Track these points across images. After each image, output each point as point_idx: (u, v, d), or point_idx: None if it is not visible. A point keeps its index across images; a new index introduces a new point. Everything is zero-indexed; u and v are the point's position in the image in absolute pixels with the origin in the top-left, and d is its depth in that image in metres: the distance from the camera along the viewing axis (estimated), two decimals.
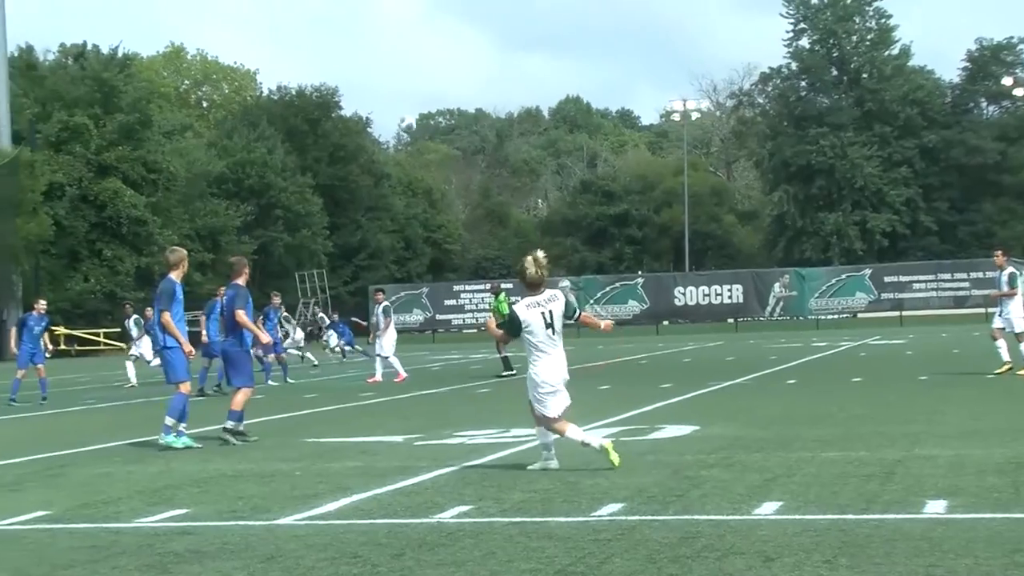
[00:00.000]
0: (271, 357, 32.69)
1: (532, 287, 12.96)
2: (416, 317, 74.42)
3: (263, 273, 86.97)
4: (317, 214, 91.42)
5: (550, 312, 12.88)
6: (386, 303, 33.74)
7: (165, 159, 79.86)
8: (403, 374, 31.56)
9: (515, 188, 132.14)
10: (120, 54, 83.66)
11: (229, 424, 17.24)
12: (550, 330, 12.86)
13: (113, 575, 8.41)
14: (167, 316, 16.89)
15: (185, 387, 17.09)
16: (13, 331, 30.67)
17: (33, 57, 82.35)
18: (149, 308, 30.32)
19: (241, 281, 17.92)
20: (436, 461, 14.15)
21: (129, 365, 35.49)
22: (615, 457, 12.74)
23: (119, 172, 76.05)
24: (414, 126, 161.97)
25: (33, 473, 14.42)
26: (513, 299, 12.38)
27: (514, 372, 31.65)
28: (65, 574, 8.50)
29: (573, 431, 12.97)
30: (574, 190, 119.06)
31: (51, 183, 71.71)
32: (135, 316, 38.52)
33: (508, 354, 32.33)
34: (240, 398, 17.38)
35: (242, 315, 17.41)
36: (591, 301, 72.94)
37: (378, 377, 31.40)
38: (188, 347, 17.02)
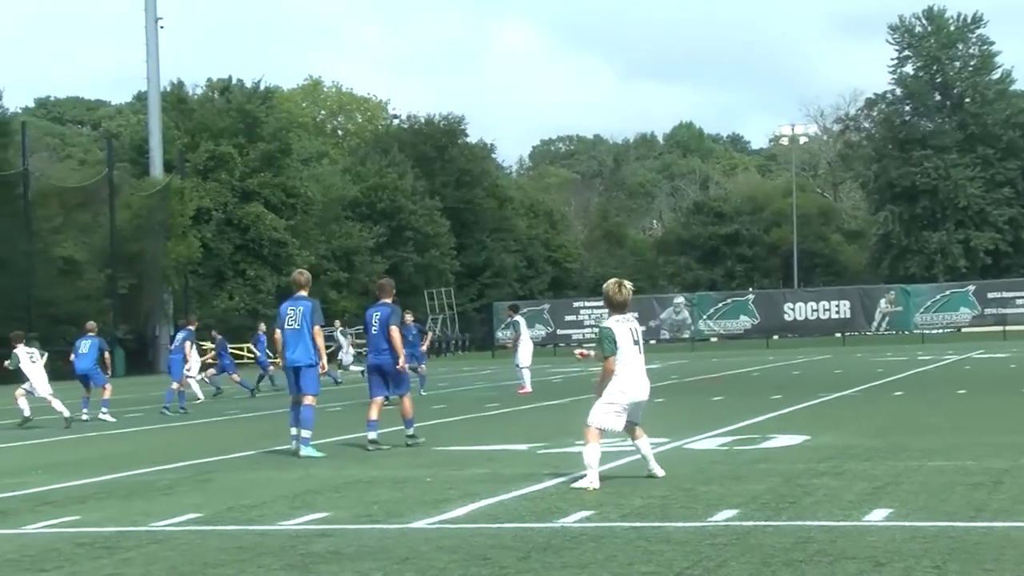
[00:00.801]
0: (422, 368, 32.45)
1: (618, 308, 12.93)
2: (538, 332, 74.34)
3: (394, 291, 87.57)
4: (445, 235, 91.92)
5: (635, 330, 12.93)
6: (516, 318, 33.84)
7: (303, 184, 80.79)
8: (528, 388, 31.52)
9: (631, 209, 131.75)
10: (262, 87, 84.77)
11: (409, 431, 17.75)
12: (637, 347, 12.86)
13: (259, 574, 8.48)
14: (278, 335, 17.25)
15: (304, 399, 17.09)
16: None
17: (183, 91, 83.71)
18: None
19: (389, 300, 18.10)
20: (559, 468, 14.14)
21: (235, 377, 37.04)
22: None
23: (261, 197, 77.07)
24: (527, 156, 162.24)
25: (184, 478, 14.62)
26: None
27: None
28: (215, 572, 8.59)
29: (593, 451, 12.72)
30: (687, 211, 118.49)
31: (199, 208, 72.87)
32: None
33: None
34: (409, 405, 17.84)
35: (396, 332, 17.57)
36: (704, 316, 72.51)
37: (527, 387, 31.44)
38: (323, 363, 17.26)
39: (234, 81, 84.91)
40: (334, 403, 30.45)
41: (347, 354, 45.99)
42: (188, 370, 31.86)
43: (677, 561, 8.48)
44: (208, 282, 75.47)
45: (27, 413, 26.57)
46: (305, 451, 16.71)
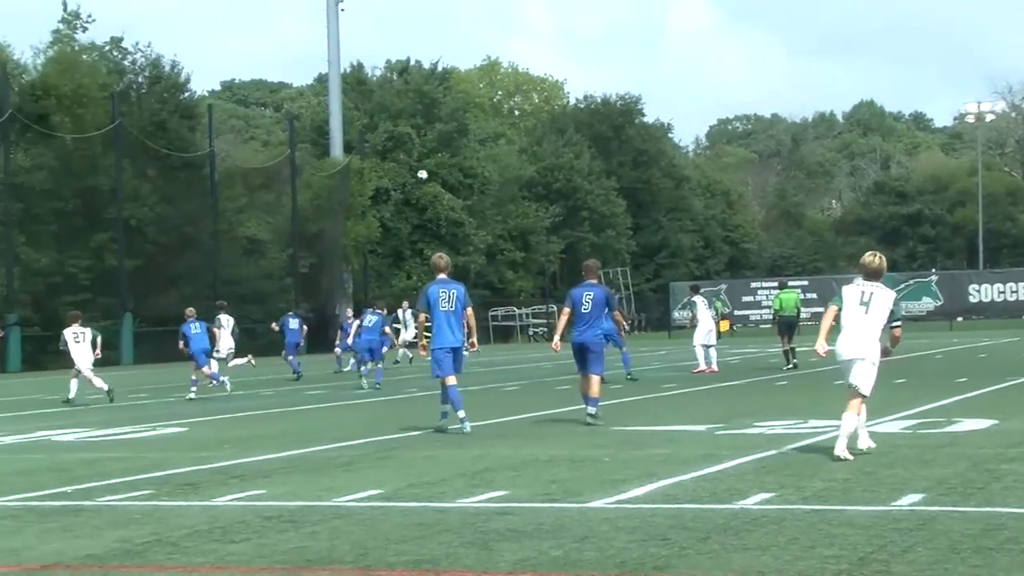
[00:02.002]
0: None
1: (872, 275, 13.58)
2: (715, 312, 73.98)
3: (570, 271, 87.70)
4: (621, 215, 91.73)
5: (871, 294, 13.35)
6: (694, 298, 33.59)
7: (480, 165, 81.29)
8: (702, 367, 31.34)
9: (809, 189, 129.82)
10: (440, 68, 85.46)
11: (591, 409, 17.94)
12: (863, 308, 13.24)
13: (440, 550, 8.57)
14: (423, 318, 17.75)
15: (449, 380, 17.48)
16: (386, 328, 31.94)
17: (363, 73, 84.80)
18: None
19: (595, 281, 18.65)
20: (737, 450, 14.03)
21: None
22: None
23: (438, 177, 77.75)
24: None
25: (366, 455, 14.84)
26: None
27: (795, 365, 31.51)
28: (397, 548, 8.70)
29: (851, 420, 12.94)
30: (868, 191, 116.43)
31: (378, 188, 73.78)
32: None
33: (792, 346, 32.36)
34: (597, 386, 18.09)
35: (618, 313, 18.18)
36: None
37: (713, 366, 31.25)
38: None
39: (412, 62, 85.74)
40: (511, 382, 30.65)
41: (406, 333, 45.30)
42: (217, 352, 32.51)
43: (860, 545, 8.35)
44: (386, 261, 76.46)
45: (72, 394, 27.55)
46: (465, 427, 17.05)
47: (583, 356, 18.23)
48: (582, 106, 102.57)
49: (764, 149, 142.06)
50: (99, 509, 11.01)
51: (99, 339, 29.28)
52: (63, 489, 12.42)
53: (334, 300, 71.22)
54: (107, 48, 65.45)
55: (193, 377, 29.46)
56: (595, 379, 18.13)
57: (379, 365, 30.16)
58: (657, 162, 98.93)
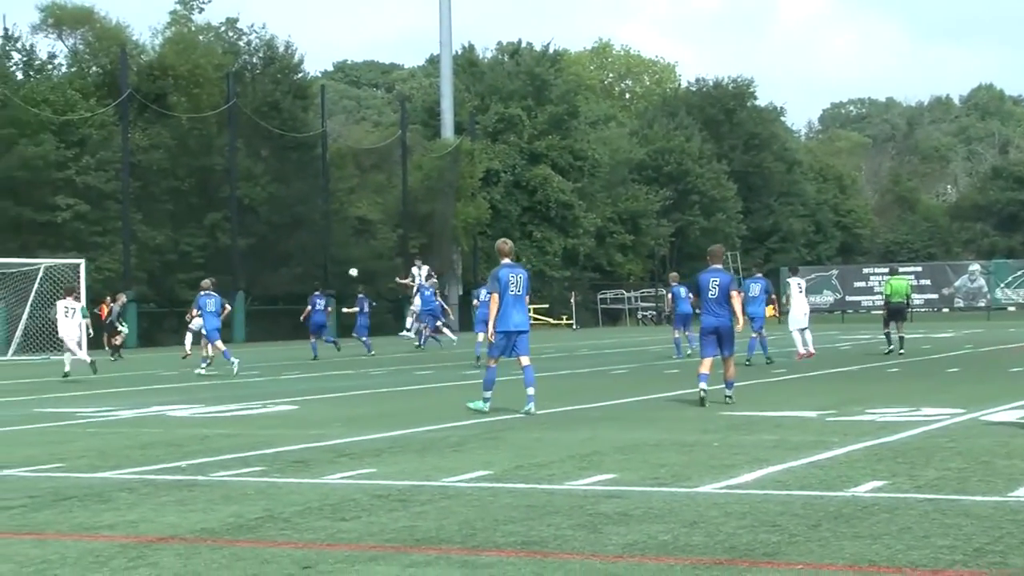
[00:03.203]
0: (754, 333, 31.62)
1: None
2: (826, 298, 73.24)
3: (680, 254, 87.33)
4: (732, 199, 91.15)
5: None
6: (788, 279, 33.04)
7: (590, 147, 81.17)
8: (801, 351, 30.71)
9: (924, 174, 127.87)
10: (551, 50, 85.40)
11: (729, 391, 18.60)
12: None
13: (548, 532, 8.58)
14: (496, 300, 17.84)
15: (492, 362, 18.10)
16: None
17: (474, 55, 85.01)
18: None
19: (720, 265, 19.30)
20: (848, 436, 13.89)
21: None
22: None
23: (549, 159, 77.76)
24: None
25: (475, 436, 14.90)
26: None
27: (892, 350, 31.34)
28: (505, 528, 8.72)
29: None
30: (985, 176, 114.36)
31: (488, 170, 73.99)
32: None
33: (901, 334, 31.98)
34: (733, 367, 18.85)
35: (736, 296, 18.92)
36: (1001, 285, 70.05)
37: (811, 349, 30.74)
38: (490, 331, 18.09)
39: (524, 44, 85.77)
40: (619, 365, 30.59)
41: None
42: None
43: (976, 536, 8.22)
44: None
45: (68, 368, 28.66)
46: (529, 406, 17.47)
47: (718, 339, 18.69)
48: (694, 89, 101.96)
49: (878, 133, 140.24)
50: (212, 484, 11.17)
51: (88, 320, 30.38)
52: (178, 464, 12.62)
53: (443, 281, 71.55)
54: (222, 29, 66.28)
55: (204, 354, 30.28)
56: (731, 361, 18.77)
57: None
58: (769, 146, 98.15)
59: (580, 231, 78.16)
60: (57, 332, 29.72)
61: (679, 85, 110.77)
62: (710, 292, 18.74)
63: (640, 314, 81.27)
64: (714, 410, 17.53)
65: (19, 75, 57.13)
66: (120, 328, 42.07)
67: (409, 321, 43.00)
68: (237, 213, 57.24)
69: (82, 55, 60.25)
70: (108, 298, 44.07)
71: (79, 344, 29.90)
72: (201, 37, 63.95)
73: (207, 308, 30.55)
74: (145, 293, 54.53)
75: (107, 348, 41.65)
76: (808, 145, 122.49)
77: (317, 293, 39.45)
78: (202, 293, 31.06)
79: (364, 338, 39.14)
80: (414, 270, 43.07)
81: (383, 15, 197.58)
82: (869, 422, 15.55)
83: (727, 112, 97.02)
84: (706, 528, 8.63)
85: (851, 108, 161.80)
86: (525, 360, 17.91)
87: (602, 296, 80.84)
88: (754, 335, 29.38)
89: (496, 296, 17.81)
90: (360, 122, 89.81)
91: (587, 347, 43.42)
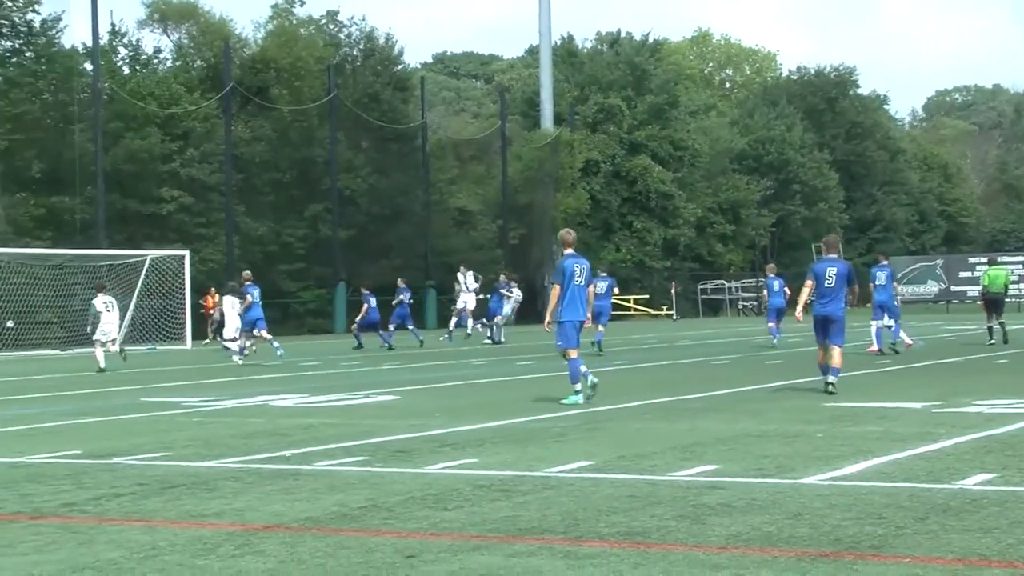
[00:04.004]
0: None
1: None
2: (930, 288, 72.27)
3: (780, 244, 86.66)
4: (833, 188, 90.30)
5: None
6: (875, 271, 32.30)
7: (690, 137, 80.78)
8: (875, 347, 29.64)
9: None
10: (651, 40, 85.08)
11: (831, 379, 18.57)
12: None
13: (651, 522, 8.55)
14: (557, 290, 18.01)
15: (572, 353, 17.88)
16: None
17: (573, 45, 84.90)
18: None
19: (836, 255, 19.72)
20: (955, 428, 13.71)
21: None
22: None
23: (648, 150, 77.47)
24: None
25: (576, 426, 14.90)
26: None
27: (994, 342, 31.03)
28: (608, 519, 8.71)
29: None
30: None
31: (587, 160, 73.88)
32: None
33: (1002, 321, 31.89)
34: (839, 357, 18.75)
35: (856, 288, 19.22)
36: None
37: (907, 340, 30.16)
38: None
39: (623, 34, 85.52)
40: (721, 356, 30.45)
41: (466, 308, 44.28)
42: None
43: None
44: (596, 234, 76.48)
45: (102, 364, 29.40)
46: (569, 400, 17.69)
47: (826, 328, 18.89)
48: (795, 77, 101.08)
49: (985, 121, 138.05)
50: (316, 473, 11.28)
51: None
52: (282, 453, 12.75)
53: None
54: (323, 22, 66.80)
55: (246, 343, 31.54)
56: (837, 350, 18.76)
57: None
58: (872, 134, 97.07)
59: (680, 221, 77.81)
60: (101, 326, 30.35)
61: (780, 74, 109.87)
62: (827, 281, 18.93)
63: (741, 304, 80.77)
64: (817, 401, 17.40)
65: (126, 70, 58.00)
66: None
67: (453, 322, 43.64)
68: (338, 204, 57.68)
69: (186, 49, 61.05)
70: (212, 289, 44.54)
71: (113, 340, 30.69)
72: (302, 30, 64.49)
73: (256, 298, 31.69)
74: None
75: (217, 339, 42.08)
76: (912, 133, 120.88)
77: (403, 286, 40.40)
78: (247, 283, 32.05)
79: (408, 326, 39.99)
80: (460, 276, 43.58)
81: (483, 6, 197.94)
82: (976, 414, 15.34)
83: (829, 101, 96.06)
84: (810, 520, 8.56)
85: (956, 96, 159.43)
86: (574, 352, 18.00)
87: (702, 286, 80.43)
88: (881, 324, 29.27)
89: (558, 287, 17.92)
90: (459, 113, 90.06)
91: (688, 338, 43.26)
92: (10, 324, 38.85)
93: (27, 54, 52.19)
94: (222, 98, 54.22)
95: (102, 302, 30.33)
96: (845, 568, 7.13)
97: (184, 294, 44.48)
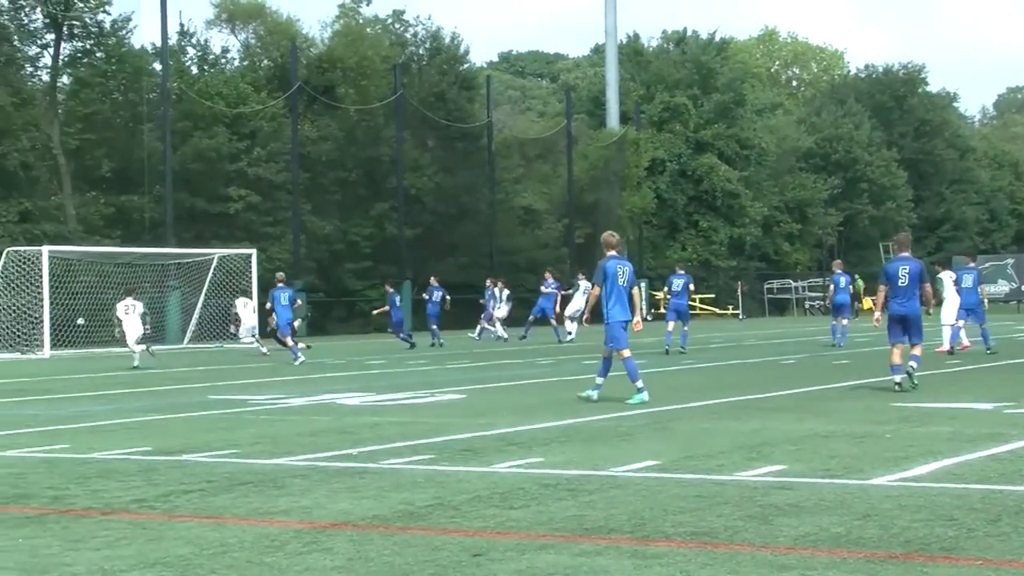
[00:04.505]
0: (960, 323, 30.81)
1: None
2: (1001, 288, 71.46)
3: (847, 243, 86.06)
4: (901, 187, 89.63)
5: None
6: (940, 274, 32.01)
7: (757, 136, 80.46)
8: (944, 347, 29.54)
9: None
10: (717, 38, 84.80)
11: (912, 365, 18.89)
12: None
13: (718, 523, 8.52)
14: (597, 291, 18.14)
15: (625, 352, 17.95)
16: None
17: (639, 44, 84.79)
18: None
19: (908, 253, 19.74)
20: None
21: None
22: None
23: (715, 148, 77.24)
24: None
25: (643, 425, 14.86)
26: None
27: None
28: (675, 519, 8.68)
29: None
30: None
31: (653, 159, 73.74)
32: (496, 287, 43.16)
33: None
34: (918, 352, 19.12)
35: (928, 286, 19.29)
36: None
37: (964, 342, 29.87)
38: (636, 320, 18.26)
39: (689, 33, 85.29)
40: (788, 356, 30.29)
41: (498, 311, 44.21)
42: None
43: None
44: (661, 233, 76.37)
45: (136, 362, 30.39)
46: (644, 396, 17.65)
47: (906, 326, 18.96)
48: (863, 75, 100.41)
49: None
50: (382, 472, 11.31)
51: (148, 316, 32.13)
52: (348, 451, 12.81)
53: None
54: (389, 21, 67.08)
55: (298, 344, 32.16)
56: (918, 347, 19.07)
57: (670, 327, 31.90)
58: (940, 133, 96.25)
59: (746, 220, 77.48)
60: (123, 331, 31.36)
61: (847, 72, 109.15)
62: (900, 280, 18.93)
63: (808, 304, 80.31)
64: (886, 401, 17.26)
65: (194, 69, 58.49)
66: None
67: (478, 329, 44.37)
68: (404, 203, 57.86)
69: (254, 49, 61.48)
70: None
71: (138, 340, 31.53)
72: (368, 29, 64.78)
73: (280, 301, 31.94)
74: (314, 283, 55.43)
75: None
76: (982, 131, 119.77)
77: (435, 284, 41.30)
78: (279, 285, 32.50)
79: (432, 326, 40.64)
80: (494, 290, 43.82)
81: (548, 5, 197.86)
82: None
83: (897, 99, 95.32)
84: (880, 521, 8.48)
85: None
86: (627, 352, 18.04)
87: (768, 286, 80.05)
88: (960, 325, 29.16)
89: (597, 288, 18.05)
90: (525, 112, 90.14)
91: (754, 337, 43.05)
92: (80, 322, 39.26)
93: (98, 55, 52.76)
94: (289, 97, 54.54)
95: (123, 307, 31.42)
96: (915, 570, 7.07)
97: (251, 293, 44.79)
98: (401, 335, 39.04)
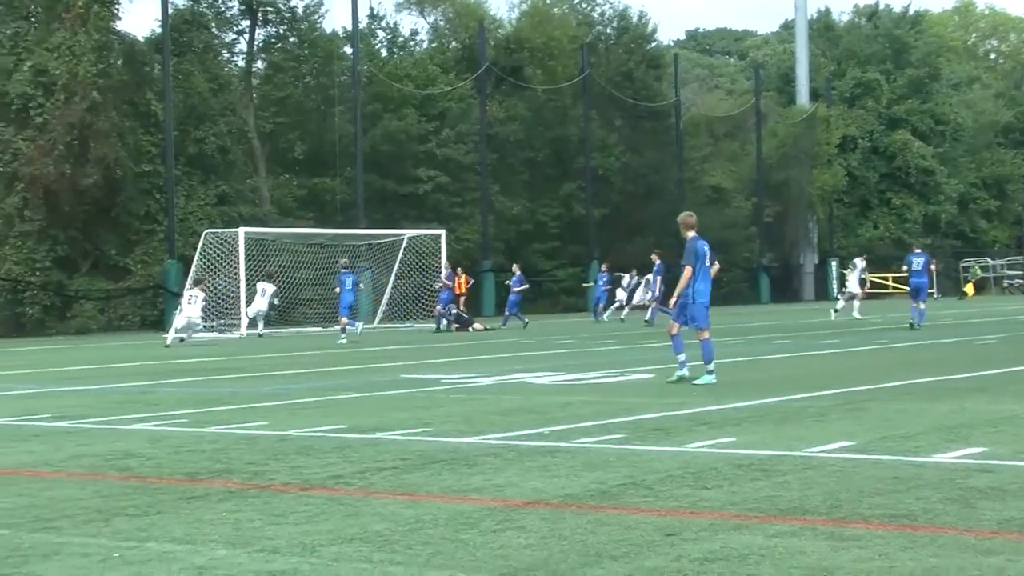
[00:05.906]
0: None
1: None
2: None
3: None
4: None
5: None
6: None
7: (952, 111, 78.64)
8: None
9: None
10: (911, 12, 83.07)
11: None
12: None
13: (917, 504, 8.35)
14: (688, 272, 17.99)
15: (705, 333, 18.00)
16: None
17: (830, 19, 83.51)
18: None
19: None
20: None
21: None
22: None
23: (908, 124, 75.72)
24: None
25: (835, 406, 14.64)
26: None
27: None
28: (872, 500, 8.54)
29: None
30: None
31: (844, 136, 72.60)
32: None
33: None
34: None
35: None
36: None
37: None
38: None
39: (882, 6, 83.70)
40: (986, 336, 29.61)
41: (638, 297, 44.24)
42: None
43: None
44: (852, 211, 75.16)
45: (169, 342, 32.86)
46: (704, 380, 17.62)
47: None
48: None
49: None
50: (574, 451, 11.34)
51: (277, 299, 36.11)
52: (540, 430, 12.87)
53: (799, 250, 70.61)
54: (576, 1, 67.05)
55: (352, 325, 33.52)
56: None
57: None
58: None
59: (941, 197, 75.80)
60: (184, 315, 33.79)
61: None
62: None
63: (1007, 283, 78.23)
64: None
65: (383, 52, 59.33)
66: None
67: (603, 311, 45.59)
68: (591, 183, 57.90)
69: (442, 31, 62.10)
70: (459, 269, 44.59)
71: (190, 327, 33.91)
72: (556, 10, 64.92)
73: (346, 286, 33.72)
74: (502, 263, 55.81)
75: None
76: None
77: (517, 273, 42.43)
78: (343, 271, 34.26)
79: (512, 311, 41.73)
80: (630, 278, 45.84)
81: None
82: None
83: None
84: None
85: None
86: (706, 333, 18.10)
87: (965, 264, 78.17)
88: None
89: (690, 268, 18.01)
90: (713, 90, 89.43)
91: (950, 316, 42.10)
92: (276, 302, 40.16)
93: (290, 39, 53.86)
94: (477, 79, 54.95)
95: (188, 295, 33.94)
96: None
97: (440, 273, 45.27)
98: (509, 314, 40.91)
